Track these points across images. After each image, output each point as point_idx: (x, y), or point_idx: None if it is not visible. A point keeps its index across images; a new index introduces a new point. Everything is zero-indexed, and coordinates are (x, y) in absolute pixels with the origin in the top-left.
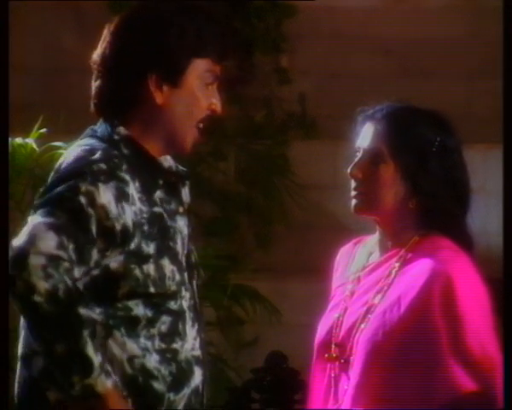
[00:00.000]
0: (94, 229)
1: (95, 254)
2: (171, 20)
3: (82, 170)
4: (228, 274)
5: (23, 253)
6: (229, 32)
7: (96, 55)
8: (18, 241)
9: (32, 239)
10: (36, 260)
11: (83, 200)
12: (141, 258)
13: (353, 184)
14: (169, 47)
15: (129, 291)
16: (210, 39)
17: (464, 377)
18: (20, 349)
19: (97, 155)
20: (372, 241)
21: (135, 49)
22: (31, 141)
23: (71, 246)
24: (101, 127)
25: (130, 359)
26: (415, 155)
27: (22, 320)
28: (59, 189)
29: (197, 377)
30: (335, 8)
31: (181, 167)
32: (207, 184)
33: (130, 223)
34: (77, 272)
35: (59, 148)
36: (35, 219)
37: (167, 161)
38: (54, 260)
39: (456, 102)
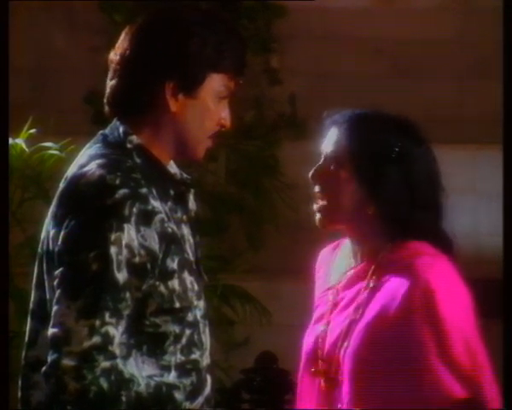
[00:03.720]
0: (125, 273)
1: (129, 296)
2: (195, 30)
3: (106, 208)
4: (218, 275)
5: (56, 351)
6: (246, 48)
7: (114, 54)
8: (52, 330)
9: (63, 335)
10: (69, 362)
11: (113, 250)
12: (166, 274)
13: (315, 190)
14: (190, 57)
15: (157, 308)
16: (229, 55)
17: (454, 385)
18: (36, 353)
19: (118, 181)
20: (348, 245)
21: (156, 55)
22: (21, 141)
23: (106, 315)
24: (112, 133)
25: (150, 377)
26: (371, 161)
27: (30, 325)
28: (86, 247)
29: (209, 385)
30: (326, 8)
31: (185, 175)
32: (198, 185)
33: (156, 246)
34: (118, 334)
35: (49, 148)
36: (62, 300)
37: (173, 168)
38: (88, 359)
39: (446, 102)
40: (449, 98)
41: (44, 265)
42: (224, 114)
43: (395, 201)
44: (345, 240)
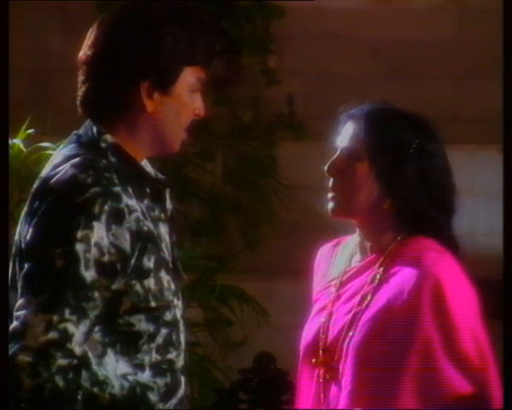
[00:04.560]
0: (93, 272)
1: (98, 296)
2: (165, 27)
3: (76, 205)
4: (216, 275)
5: (13, 346)
6: (218, 36)
7: (84, 54)
8: (12, 326)
9: (21, 329)
10: (24, 357)
11: (79, 248)
12: (142, 273)
13: (330, 183)
14: (163, 56)
15: (131, 307)
16: (201, 47)
17: (460, 380)
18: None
19: (90, 179)
20: (352, 242)
21: (128, 56)
22: (18, 141)
23: (66, 312)
24: (86, 134)
25: (123, 376)
26: (390, 156)
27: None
28: (52, 243)
29: (183, 386)
30: (324, 8)
31: (160, 175)
32: (195, 185)
33: (126, 245)
34: (79, 333)
35: (46, 148)
36: (25, 294)
37: (147, 167)
38: (44, 356)
39: (443, 103)
40: (446, 99)
41: (17, 265)
42: (197, 104)
43: (413, 196)
44: (347, 238)
